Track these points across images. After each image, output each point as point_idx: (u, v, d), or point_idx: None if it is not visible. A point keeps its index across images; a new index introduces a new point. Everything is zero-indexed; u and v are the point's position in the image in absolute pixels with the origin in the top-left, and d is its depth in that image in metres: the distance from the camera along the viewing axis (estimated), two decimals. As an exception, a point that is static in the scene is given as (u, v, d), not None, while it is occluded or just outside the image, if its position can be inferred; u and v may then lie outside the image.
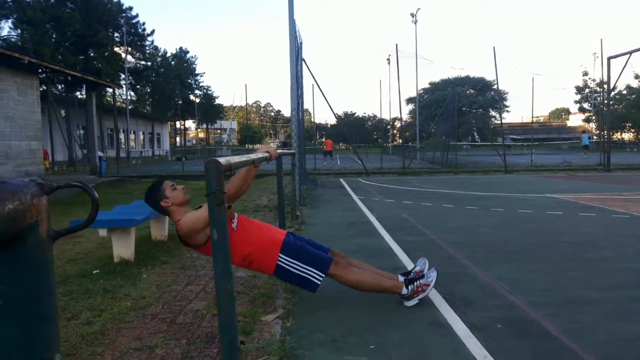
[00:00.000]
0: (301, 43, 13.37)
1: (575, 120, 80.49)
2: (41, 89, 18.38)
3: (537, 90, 59.27)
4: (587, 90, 61.44)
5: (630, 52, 18.16)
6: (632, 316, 3.23)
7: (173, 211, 3.34)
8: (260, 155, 3.14)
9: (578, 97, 63.94)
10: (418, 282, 3.48)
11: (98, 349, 2.82)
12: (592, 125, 60.07)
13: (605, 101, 22.73)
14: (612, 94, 25.67)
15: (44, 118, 18.31)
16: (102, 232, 4.76)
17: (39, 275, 0.83)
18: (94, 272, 4.51)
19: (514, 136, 60.26)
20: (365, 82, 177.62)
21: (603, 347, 2.73)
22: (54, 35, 34.17)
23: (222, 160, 1.69)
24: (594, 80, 56.96)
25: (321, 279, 3.34)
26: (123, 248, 4.86)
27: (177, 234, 3.34)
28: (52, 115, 26.07)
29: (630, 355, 2.65)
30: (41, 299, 0.83)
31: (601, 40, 21.70)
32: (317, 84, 18.58)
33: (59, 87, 32.39)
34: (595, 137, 40.29)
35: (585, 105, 63.39)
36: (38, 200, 0.84)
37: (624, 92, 55.75)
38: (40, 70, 15.53)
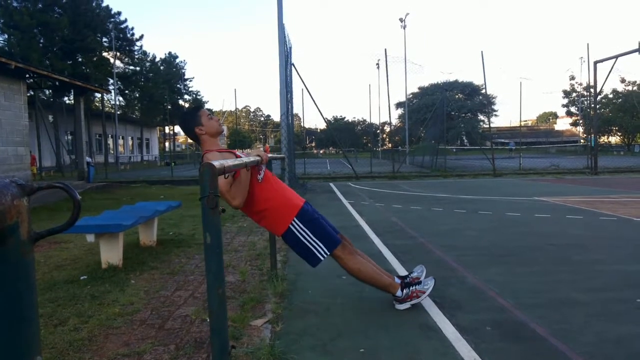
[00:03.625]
0: (290, 48, 13.39)
1: (563, 124, 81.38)
2: (29, 94, 18.24)
3: (525, 94, 59.97)
4: (574, 94, 62.09)
5: (616, 57, 18.38)
6: (620, 317, 3.25)
7: (204, 140, 3.33)
8: (251, 159, 3.13)
9: (565, 101, 64.63)
10: (414, 287, 3.49)
11: (85, 356, 2.79)
12: (580, 129, 60.67)
13: (592, 105, 22.97)
14: (599, 97, 25.96)
15: (31, 123, 18.18)
16: (90, 238, 4.71)
17: (19, 277, 0.82)
18: (82, 278, 4.46)
19: (502, 140, 60.73)
20: (355, 86, 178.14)
21: (591, 348, 2.75)
22: (41, 40, 33.96)
23: (216, 163, 1.69)
24: (580, 84, 57.61)
25: (325, 255, 3.32)
26: (111, 254, 4.81)
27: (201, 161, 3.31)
28: (39, 121, 25.88)
29: (617, 355, 2.67)
30: (21, 301, 0.82)
31: (588, 44, 22.01)
32: (307, 89, 18.58)
33: (47, 92, 32.17)
34: (582, 141, 40.62)
35: (573, 109, 64.03)
36: (19, 201, 0.83)
37: (610, 96, 56.45)
38: (27, 75, 15.40)
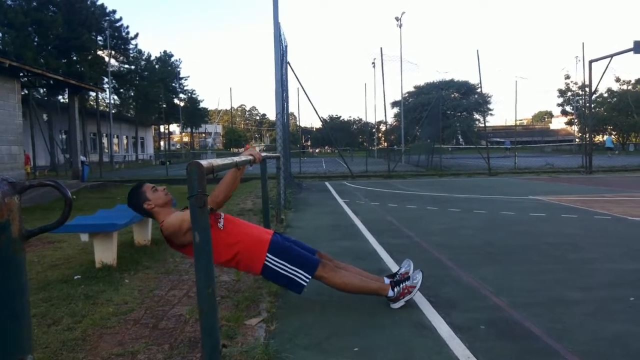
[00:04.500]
0: (286, 46, 13.37)
1: (558, 123, 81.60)
2: (23, 93, 18.12)
3: (520, 93, 60.05)
4: (569, 93, 62.21)
5: (611, 56, 18.44)
6: (614, 315, 3.26)
7: (157, 212, 3.32)
8: (243, 158, 3.12)
9: (560, 100, 64.75)
10: (404, 284, 3.48)
11: (79, 355, 2.78)
12: (575, 128, 60.88)
13: (587, 104, 23.05)
14: (594, 97, 26.05)
15: (25, 122, 18.05)
16: (84, 237, 4.69)
17: (11, 275, 0.82)
18: (75, 277, 4.44)
19: (498, 139, 60.86)
20: (351, 85, 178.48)
21: (586, 347, 2.75)
22: (36, 39, 33.79)
23: (204, 162, 1.68)
24: (576, 83, 57.69)
25: (307, 280, 3.32)
26: (105, 253, 4.80)
27: (162, 234, 3.31)
28: (33, 120, 25.73)
29: (612, 354, 2.68)
30: (13, 299, 0.82)
31: (583, 44, 22.01)
32: (302, 88, 18.57)
33: (41, 91, 32.00)
34: (577, 140, 40.81)
35: (568, 108, 64.19)
36: (9, 199, 0.83)
37: (605, 95, 56.62)
38: (21, 74, 15.30)
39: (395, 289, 3.46)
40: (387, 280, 3.61)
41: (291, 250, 3.40)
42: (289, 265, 3.32)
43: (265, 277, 3.45)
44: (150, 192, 3.34)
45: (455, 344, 2.84)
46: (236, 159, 2.53)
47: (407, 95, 59.19)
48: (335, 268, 3.49)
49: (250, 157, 3.21)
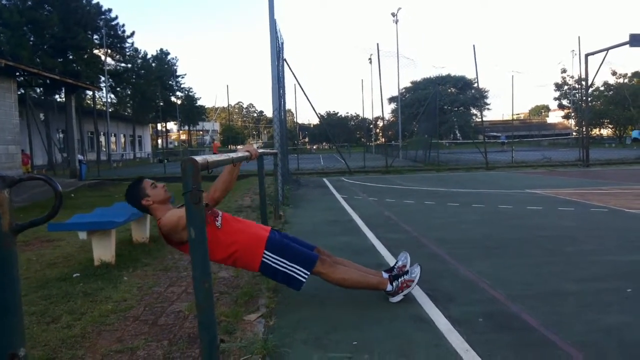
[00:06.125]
0: (282, 43, 13.35)
1: (555, 117, 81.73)
2: (19, 93, 18.08)
3: (517, 87, 60.11)
4: (565, 87, 62.26)
5: (607, 49, 18.47)
6: (610, 307, 3.28)
7: (155, 209, 3.31)
8: (240, 154, 3.12)
9: (557, 94, 64.82)
10: (402, 278, 3.50)
11: (79, 352, 2.79)
12: (572, 122, 60.92)
13: (584, 98, 23.07)
14: (590, 90, 26.07)
15: (22, 122, 18.04)
16: (82, 235, 4.70)
17: (3, 268, 0.82)
18: (74, 275, 4.45)
19: (495, 133, 60.90)
20: (348, 81, 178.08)
21: (582, 338, 2.77)
22: (31, 38, 33.67)
23: (199, 158, 1.68)
24: (572, 77, 57.78)
25: (306, 276, 3.33)
26: (103, 251, 4.80)
27: (159, 231, 3.31)
28: (30, 119, 25.69)
29: (608, 345, 2.70)
30: (3, 292, 0.82)
31: (579, 37, 22.04)
32: (299, 84, 18.56)
33: (38, 90, 31.90)
34: (574, 134, 40.83)
35: (565, 102, 64.25)
36: (0, 193, 0.83)
37: (602, 88, 56.68)
38: (17, 74, 15.29)
39: (394, 283, 3.47)
40: (385, 275, 3.62)
41: (289, 247, 3.41)
42: (286, 262, 3.33)
43: (263, 274, 3.46)
44: (150, 188, 3.34)
45: (454, 336, 2.86)
46: (233, 155, 2.53)
47: (404, 90, 59.24)
48: (333, 264, 3.49)
49: (247, 154, 3.21)
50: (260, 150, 4.12)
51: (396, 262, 3.88)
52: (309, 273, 3.34)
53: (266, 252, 3.33)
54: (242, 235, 3.36)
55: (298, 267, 3.32)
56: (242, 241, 3.33)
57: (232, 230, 3.34)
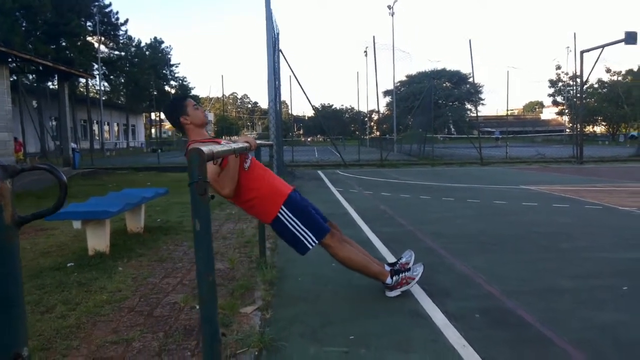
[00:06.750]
0: (278, 34, 13.28)
1: (549, 113, 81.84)
2: (11, 79, 17.88)
3: (512, 83, 60.16)
4: (560, 83, 62.36)
5: (603, 46, 18.50)
6: (605, 304, 3.30)
7: (190, 130, 3.30)
8: (240, 145, 3.09)
9: (551, 90, 64.90)
10: (404, 274, 3.50)
11: (73, 343, 2.76)
12: (565, 119, 61.14)
13: (578, 94, 23.14)
14: (585, 87, 26.15)
15: (14, 109, 17.86)
16: (76, 225, 4.65)
17: (4, 263, 0.79)
18: (68, 265, 4.42)
19: (489, 128, 61.03)
20: (343, 74, 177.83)
21: (577, 335, 2.78)
22: (24, 24, 33.23)
23: (204, 148, 1.65)
24: (567, 73, 57.83)
25: (314, 244, 3.32)
26: (98, 240, 4.77)
27: (186, 156, 3.25)
28: (23, 106, 25.43)
29: (602, 341, 2.71)
30: (6, 288, 0.79)
31: (574, 34, 22.02)
32: (295, 76, 18.49)
33: (30, 77, 31.60)
34: (567, 130, 41.02)
35: (559, 99, 64.38)
36: (2, 183, 0.80)
37: (596, 85, 56.82)
38: (10, 60, 15.10)
39: (394, 278, 3.47)
40: (387, 268, 3.62)
41: (306, 210, 3.40)
42: (300, 224, 3.32)
43: (273, 228, 3.42)
44: (192, 108, 3.30)
45: (451, 332, 2.86)
46: (234, 145, 2.50)
47: (399, 84, 59.16)
48: (342, 241, 3.50)
49: (247, 144, 3.18)
50: (258, 142, 4.09)
51: (400, 258, 3.87)
52: (317, 241, 3.33)
53: (284, 207, 3.32)
54: (265, 183, 3.36)
55: (309, 233, 3.32)
56: (264, 189, 3.33)
57: (257, 177, 3.35)
